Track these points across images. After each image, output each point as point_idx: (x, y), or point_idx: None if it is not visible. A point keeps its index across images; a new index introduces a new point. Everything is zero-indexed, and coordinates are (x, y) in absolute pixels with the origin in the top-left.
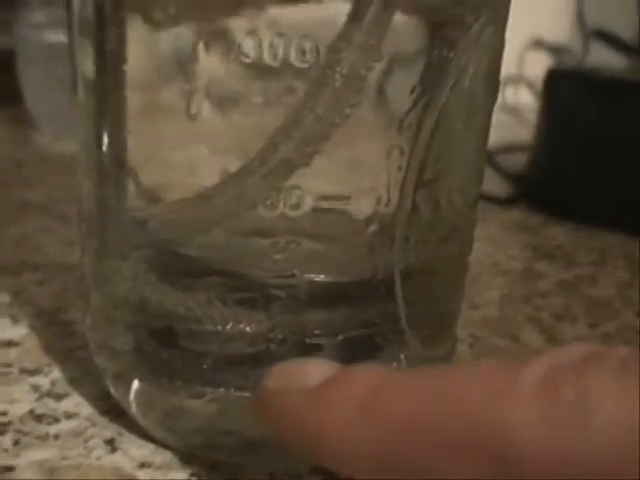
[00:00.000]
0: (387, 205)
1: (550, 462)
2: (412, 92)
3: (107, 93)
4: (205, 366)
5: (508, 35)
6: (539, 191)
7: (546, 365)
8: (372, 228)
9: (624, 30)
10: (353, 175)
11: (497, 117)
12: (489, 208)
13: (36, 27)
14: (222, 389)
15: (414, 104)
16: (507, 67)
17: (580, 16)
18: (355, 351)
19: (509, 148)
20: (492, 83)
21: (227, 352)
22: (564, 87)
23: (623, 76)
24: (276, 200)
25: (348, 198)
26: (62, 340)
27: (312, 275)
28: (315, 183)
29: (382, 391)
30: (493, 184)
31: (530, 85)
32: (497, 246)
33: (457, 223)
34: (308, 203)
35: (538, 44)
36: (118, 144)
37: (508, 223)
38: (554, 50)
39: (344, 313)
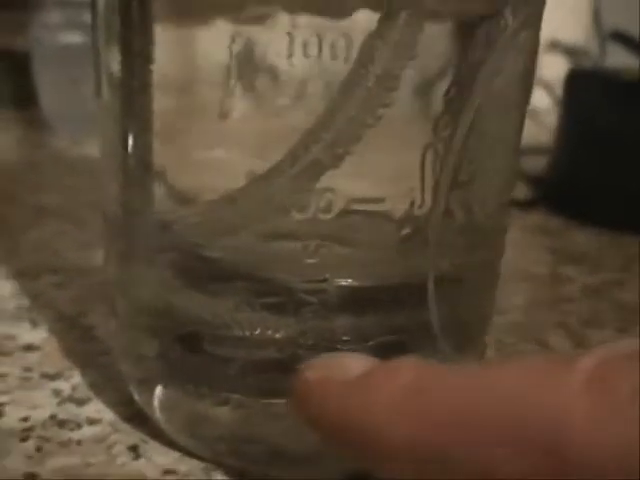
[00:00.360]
0: (420, 207)
1: (601, 457)
2: (447, 93)
3: (134, 93)
4: (231, 372)
5: None
6: (559, 194)
7: (599, 359)
8: (405, 231)
9: None
10: (386, 177)
11: None
12: None
13: (51, 28)
14: (248, 396)
15: (449, 105)
16: None
17: (597, 18)
18: (385, 357)
19: (527, 150)
20: (527, 84)
21: (254, 358)
22: (585, 88)
23: None
24: (307, 203)
25: (381, 200)
26: (82, 344)
27: (343, 280)
28: (347, 185)
29: (426, 381)
30: None
31: (547, 87)
32: (518, 250)
33: (489, 227)
34: (340, 206)
35: (554, 46)
36: (144, 145)
37: (528, 226)
38: (571, 52)
39: (375, 318)
